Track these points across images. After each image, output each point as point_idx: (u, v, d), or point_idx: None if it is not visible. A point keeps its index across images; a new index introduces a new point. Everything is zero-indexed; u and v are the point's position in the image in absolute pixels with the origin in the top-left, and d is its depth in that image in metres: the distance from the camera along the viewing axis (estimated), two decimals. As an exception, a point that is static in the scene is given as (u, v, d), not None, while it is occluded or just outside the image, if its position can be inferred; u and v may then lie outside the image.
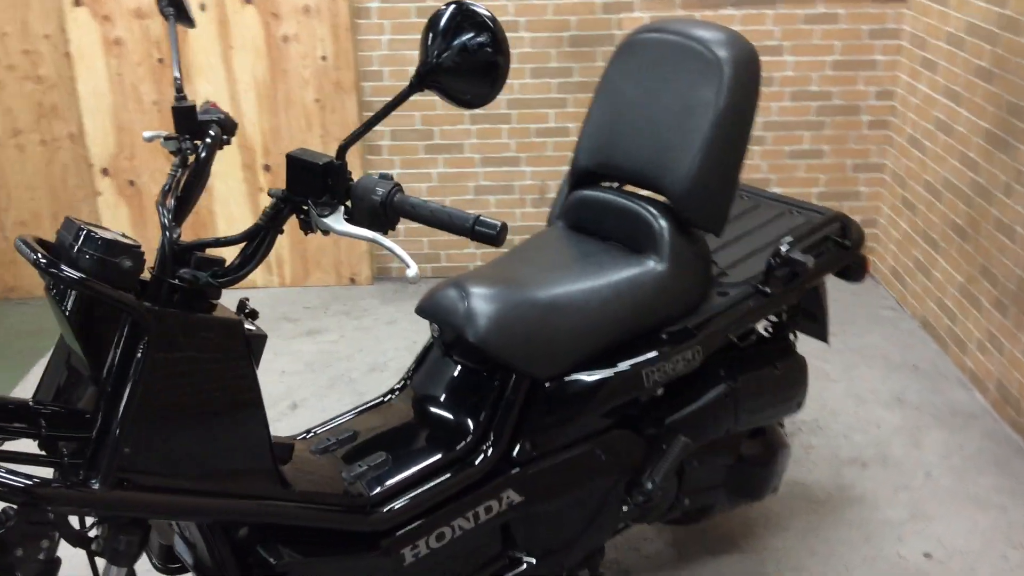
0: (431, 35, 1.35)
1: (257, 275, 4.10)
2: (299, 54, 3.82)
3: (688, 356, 1.92)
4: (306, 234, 1.45)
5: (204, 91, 3.85)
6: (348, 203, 1.42)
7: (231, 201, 4.00)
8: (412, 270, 1.33)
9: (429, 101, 3.91)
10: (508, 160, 4.02)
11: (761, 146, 4.03)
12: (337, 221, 1.40)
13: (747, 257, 2.14)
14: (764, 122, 3.98)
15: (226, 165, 3.93)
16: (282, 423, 3.06)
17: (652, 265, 1.91)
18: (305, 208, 1.43)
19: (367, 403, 1.95)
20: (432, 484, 1.71)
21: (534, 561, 1.87)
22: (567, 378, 1.84)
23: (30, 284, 4.05)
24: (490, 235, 1.32)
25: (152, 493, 1.36)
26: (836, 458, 2.88)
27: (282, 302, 4.00)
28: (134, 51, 3.78)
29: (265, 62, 3.82)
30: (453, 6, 1.34)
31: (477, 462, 1.75)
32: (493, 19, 1.32)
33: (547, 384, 1.82)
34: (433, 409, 1.85)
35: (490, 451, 1.77)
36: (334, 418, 1.91)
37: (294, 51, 3.82)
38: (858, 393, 3.24)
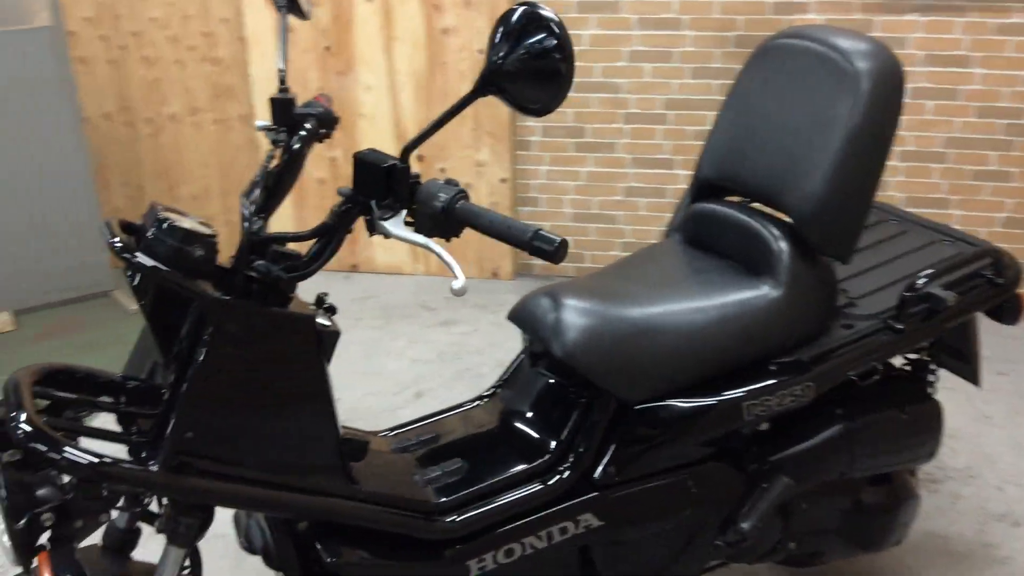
0: (498, 36, 1.29)
1: (404, 262, 4.17)
2: (457, 46, 3.84)
3: (798, 391, 1.77)
4: (371, 235, 1.42)
5: (365, 81, 3.94)
6: (414, 207, 1.38)
7: (384, 188, 4.08)
8: (458, 282, 1.28)
9: (582, 98, 3.85)
10: (661, 162, 3.89)
11: (941, 164, 3.71)
12: (396, 225, 1.37)
13: (883, 288, 1.96)
14: (946, 138, 3.66)
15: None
16: (406, 410, 3.09)
17: (766, 290, 1.78)
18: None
19: (456, 407, 1.92)
20: (505, 498, 1.66)
21: None
22: (658, 403, 1.73)
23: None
24: (547, 251, 1.26)
25: (210, 480, 1.37)
26: (985, 512, 2.61)
27: (424, 290, 4.05)
28: (303, 38, 3.91)
29: (424, 54, 3.87)
30: (522, 8, 1.27)
31: (554, 481, 1.69)
32: (560, 24, 1.25)
33: (636, 408, 1.73)
34: (517, 421, 1.80)
35: (569, 471, 1.69)
36: (422, 418, 1.89)
37: (453, 43, 3.84)
38: (1021, 442, 2.93)
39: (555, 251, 1.25)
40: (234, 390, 1.39)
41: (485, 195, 4.01)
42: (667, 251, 2.00)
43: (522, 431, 1.77)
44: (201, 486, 1.37)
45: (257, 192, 1.53)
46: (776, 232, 1.82)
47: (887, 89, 1.76)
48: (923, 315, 1.87)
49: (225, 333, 1.35)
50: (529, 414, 1.80)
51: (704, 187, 2.03)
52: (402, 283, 4.12)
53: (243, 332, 1.37)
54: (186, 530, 1.42)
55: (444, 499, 1.63)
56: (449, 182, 1.36)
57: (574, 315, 1.70)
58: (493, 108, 3.87)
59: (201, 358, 1.34)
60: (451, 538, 1.62)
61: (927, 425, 1.99)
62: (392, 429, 1.85)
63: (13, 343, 3.63)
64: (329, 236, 1.43)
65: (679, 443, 1.75)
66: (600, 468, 1.72)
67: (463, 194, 1.34)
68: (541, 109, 1.29)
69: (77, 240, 3.83)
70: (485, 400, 1.90)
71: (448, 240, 1.37)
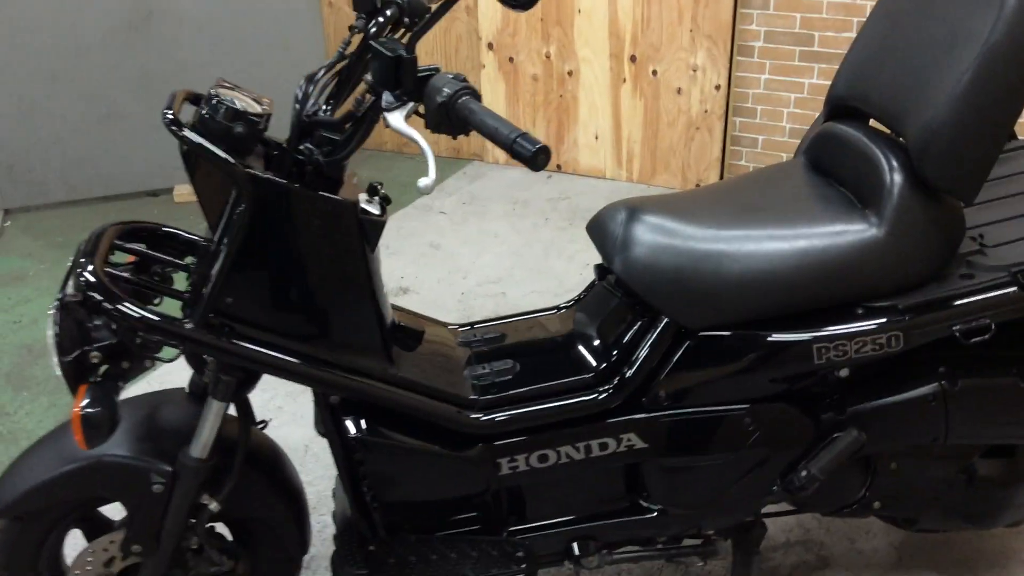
0: None
1: (607, 167, 4.12)
2: (679, -59, 3.65)
3: (882, 340, 1.59)
4: (386, 127, 1.43)
5: (585, -26, 3.86)
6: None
7: (595, 89, 4.02)
8: (425, 180, 1.26)
9: (815, 2, 3.53)
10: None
11: None
12: (396, 116, 1.37)
13: None
14: None
15: (593, 52, 3.94)
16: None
17: (866, 226, 1.58)
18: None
19: (535, 311, 1.91)
20: (543, 404, 1.65)
21: (657, 512, 1.74)
22: (719, 333, 1.63)
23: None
24: (524, 156, 1.21)
25: (240, 343, 1.48)
26: None
27: (619, 194, 3.99)
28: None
29: (645, -52, 3.71)
30: None
31: (598, 396, 1.65)
32: None
33: (696, 334, 1.64)
34: (580, 333, 1.76)
35: (616, 389, 1.65)
36: (500, 317, 1.91)
37: (675, -62, 3.65)
38: None
39: (532, 156, 1.21)
40: (271, 264, 1.47)
41: (696, 102, 3.84)
42: (782, 173, 1.83)
43: (581, 344, 1.74)
44: (230, 348, 1.49)
45: (324, 76, 1.57)
46: (894, 162, 1.61)
47: None
48: (1064, 274, 1.60)
49: (256, 207, 1.43)
50: (591, 329, 1.76)
51: (837, 106, 1.82)
52: (599, 188, 4.08)
53: (277, 209, 1.44)
54: (225, 387, 1.56)
55: (482, 396, 1.65)
56: (457, 77, 1.34)
57: (640, 231, 1.62)
58: (713, 7, 3.66)
59: (234, 230, 1.44)
60: (485, 434, 1.65)
61: (1058, 400, 1.72)
62: (466, 324, 1.88)
63: (198, 214, 4.03)
64: (356, 124, 1.46)
65: (738, 377, 1.64)
66: (651, 391, 1.66)
67: (466, 91, 1.31)
68: (518, 4, 1.23)
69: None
70: (563, 309, 1.88)
71: (455, 137, 1.35)
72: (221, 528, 1.78)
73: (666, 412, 1.67)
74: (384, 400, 1.58)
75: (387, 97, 1.39)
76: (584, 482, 1.74)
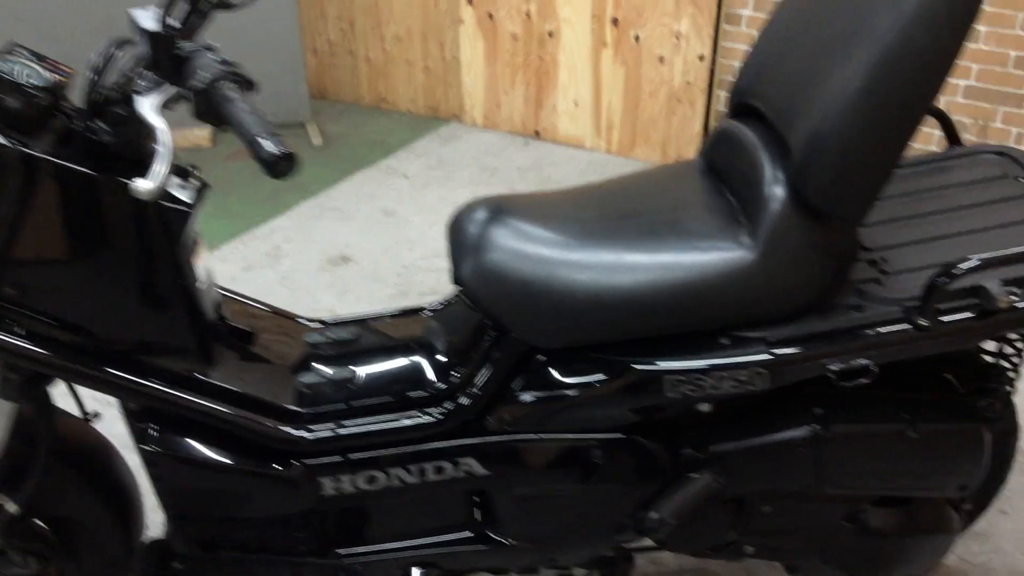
0: None
1: (587, 136, 3.90)
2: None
3: (743, 376, 1.40)
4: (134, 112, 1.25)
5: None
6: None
7: (575, 52, 3.79)
8: (142, 183, 1.11)
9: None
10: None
11: None
12: (146, 101, 1.20)
13: (934, 267, 1.48)
14: None
15: (574, 11, 3.70)
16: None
17: (737, 245, 1.39)
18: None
19: (403, 311, 1.74)
20: (370, 423, 1.49)
21: (507, 543, 1.58)
22: (567, 356, 1.45)
23: (399, 97, 4.30)
24: (263, 158, 1.05)
25: (25, 340, 1.35)
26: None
27: (596, 168, 3.77)
28: None
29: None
30: None
31: (430, 419, 1.49)
32: None
33: (544, 355, 1.46)
34: (431, 344, 1.59)
35: (452, 412, 1.48)
36: (359, 315, 1.74)
37: None
38: None
39: (271, 161, 1.04)
40: (57, 251, 1.33)
41: (679, 72, 3.59)
42: (674, 175, 1.63)
43: (427, 356, 1.57)
44: (6, 345, 1.35)
45: (141, 49, 1.39)
46: (779, 174, 1.41)
47: (949, 4, 1.26)
48: (965, 313, 1.39)
49: (23, 186, 1.28)
50: (441, 340, 1.59)
51: (739, 103, 1.61)
52: (576, 158, 3.87)
53: (50, 189, 1.29)
54: (10, 385, 1.42)
55: (307, 409, 1.50)
56: (225, 62, 1.16)
57: (494, 236, 1.44)
58: (699, -27, 3.40)
59: (4, 211, 1.29)
60: (305, 451, 1.50)
61: (953, 451, 1.51)
62: (319, 321, 1.72)
63: (207, 158, 3.88)
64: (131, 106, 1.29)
65: (587, 405, 1.46)
66: (494, 414, 1.49)
67: (228, 77, 1.14)
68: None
69: (279, 69, 3.96)
70: (428, 312, 1.71)
71: (219, 127, 1.18)
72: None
73: (509, 438, 1.50)
74: (183, 409, 1.44)
75: (149, 78, 1.23)
76: (426, 506, 1.58)
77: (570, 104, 3.89)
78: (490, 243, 1.45)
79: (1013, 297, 1.35)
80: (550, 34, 3.80)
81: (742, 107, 1.60)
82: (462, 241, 1.48)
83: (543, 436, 1.49)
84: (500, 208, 1.50)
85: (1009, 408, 1.70)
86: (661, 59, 3.60)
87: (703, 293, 1.40)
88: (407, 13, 4.12)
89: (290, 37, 3.92)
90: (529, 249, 1.43)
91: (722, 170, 1.58)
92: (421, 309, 1.73)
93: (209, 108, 1.15)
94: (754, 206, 1.42)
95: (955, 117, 3.16)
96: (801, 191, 1.37)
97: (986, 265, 1.35)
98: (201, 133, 3.95)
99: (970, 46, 3.06)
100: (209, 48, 1.22)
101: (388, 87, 4.31)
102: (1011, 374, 1.57)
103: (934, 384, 1.56)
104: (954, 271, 1.35)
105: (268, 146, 1.06)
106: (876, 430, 1.48)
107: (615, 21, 3.64)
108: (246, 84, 1.16)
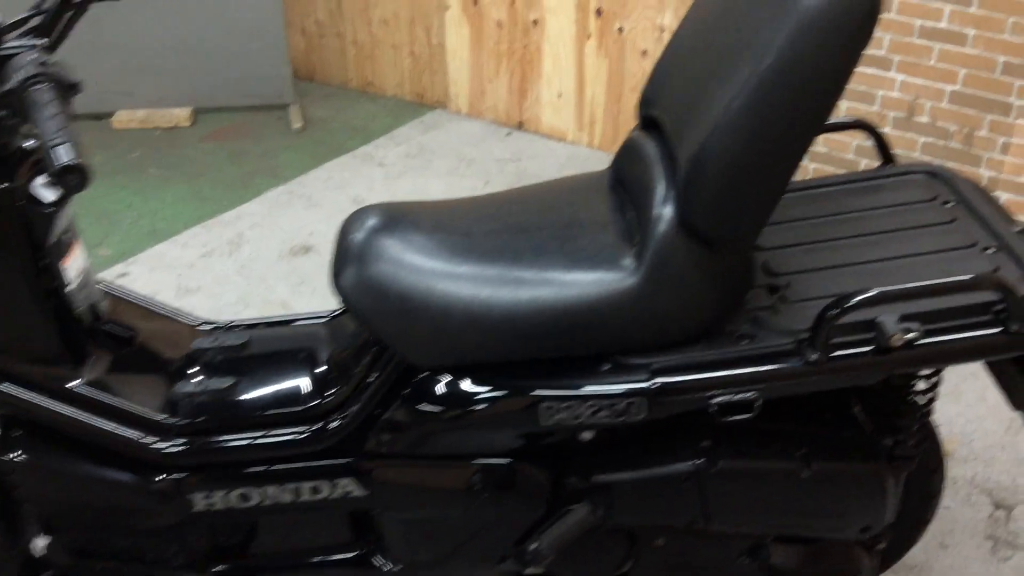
0: None
1: (569, 129, 3.81)
2: None
3: (620, 407, 1.32)
4: None
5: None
6: None
7: (559, 42, 3.69)
8: None
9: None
10: (874, 60, 3.11)
11: None
12: None
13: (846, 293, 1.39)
14: None
15: (560, 1, 3.61)
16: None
17: (619, 268, 1.32)
18: None
19: (301, 316, 1.69)
20: (237, 438, 1.44)
21: (390, 568, 1.53)
22: (442, 376, 1.39)
23: (386, 82, 4.23)
24: (50, 167, 0.99)
25: None
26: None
27: (574, 163, 3.68)
28: None
29: None
30: None
31: (308, 434, 1.43)
32: None
33: (425, 375, 1.40)
34: (316, 356, 1.54)
35: (332, 428, 1.43)
36: (256, 319, 1.69)
37: None
38: None
39: (57, 170, 0.99)
40: None
41: (662, 67, 3.49)
42: (580, 187, 1.56)
43: (311, 369, 1.52)
44: None
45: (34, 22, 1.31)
46: (671, 192, 1.33)
47: (837, 20, 1.17)
48: (858, 348, 1.30)
49: None
50: (329, 351, 1.54)
51: (646, 114, 1.53)
52: (556, 152, 3.78)
53: None
54: None
55: (179, 421, 1.45)
56: (45, 63, 1.11)
57: (380, 245, 1.38)
58: (683, -35, 3.29)
59: None
60: (173, 465, 1.45)
61: (851, 492, 1.43)
62: (212, 324, 1.67)
63: (183, 138, 3.84)
64: None
65: (466, 428, 1.40)
66: (372, 434, 1.43)
67: (42, 79, 1.08)
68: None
69: (260, 49, 3.90)
70: (323, 320, 1.65)
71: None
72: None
73: (387, 459, 1.44)
74: (42, 417, 1.39)
75: None
76: (308, 527, 1.53)
77: (554, 95, 3.80)
78: (373, 253, 1.39)
79: (909, 335, 1.26)
80: (535, 22, 3.71)
81: (648, 119, 1.52)
82: (346, 248, 1.42)
83: (422, 459, 1.44)
84: (391, 216, 1.44)
85: (928, 443, 1.61)
86: (644, 53, 3.50)
87: (583, 316, 1.33)
88: (393, -4, 4.04)
89: (272, 16, 3.85)
90: (411, 261, 1.37)
91: (627, 184, 1.50)
92: (321, 316, 1.67)
93: (19, 110, 1.09)
94: (644, 226, 1.34)
95: (940, 123, 3.05)
96: (685, 213, 1.29)
97: (883, 299, 1.27)
98: (180, 113, 3.91)
99: (957, 50, 2.93)
100: (36, 46, 1.16)
101: (375, 71, 4.24)
102: (925, 410, 1.49)
103: (839, 419, 1.48)
104: (847, 304, 1.27)
105: (58, 155, 1.00)
106: (765, 467, 1.41)
107: (599, 12, 3.54)
108: (68, 88, 1.10)
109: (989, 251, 1.43)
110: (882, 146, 1.66)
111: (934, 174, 1.62)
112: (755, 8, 1.25)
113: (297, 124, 3.95)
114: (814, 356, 1.29)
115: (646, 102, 1.51)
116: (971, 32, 2.89)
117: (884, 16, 3.02)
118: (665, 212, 1.31)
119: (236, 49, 3.90)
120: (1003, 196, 3.00)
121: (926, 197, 1.57)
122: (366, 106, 4.19)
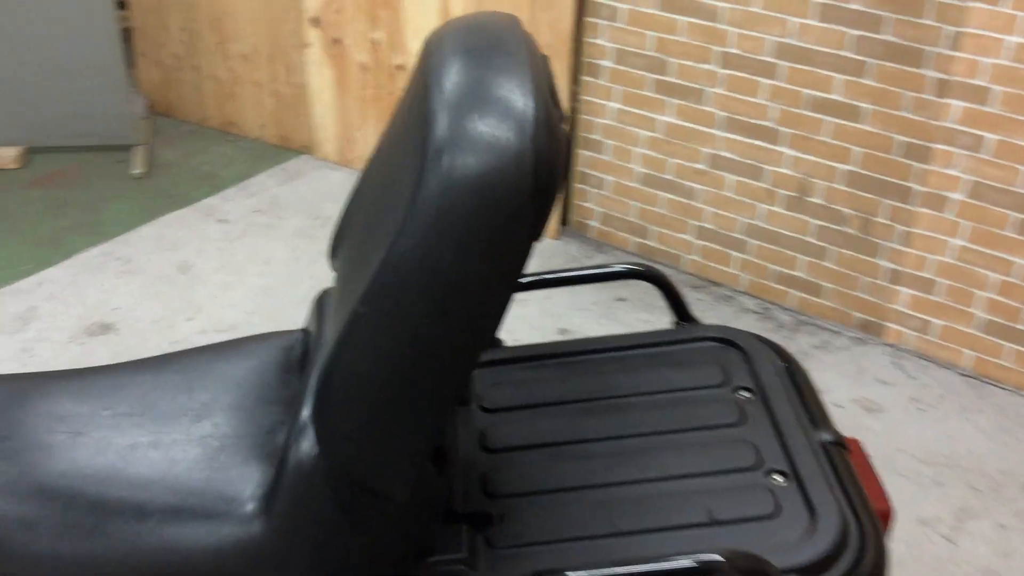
0: None
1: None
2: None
3: None
4: None
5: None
6: None
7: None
8: None
9: (667, 18, 2.76)
10: (763, 131, 2.75)
11: None
12: None
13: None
14: None
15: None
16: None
17: (236, 512, 0.93)
18: None
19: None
20: None
21: None
22: None
23: (248, 123, 3.81)
24: None
25: None
26: None
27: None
28: None
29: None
30: None
31: None
32: None
33: None
34: None
35: None
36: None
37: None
38: None
39: None
40: None
41: (536, 124, 3.10)
42: (241, 361, 1.16)
43: None
44: None
45: None
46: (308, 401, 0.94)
47: (466, 212, 0.79)
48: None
49: None
50: None
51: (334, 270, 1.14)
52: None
53: None
54: None
55: None
56: None
57: None
58: (556, 12, 2.90)
59: None
60: None
61: None
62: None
63: (6, 182, 3.40)
64: None
65: None
66: None
67: None
68: None
69: (100, 85, 3.48)
70: None
71: None
72: None
73: None
74: None
75: None
76: None
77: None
78: None
79: None
80: (399, 67, 3.32)
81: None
82: None
83: None
84: (17, 391, 1.06)
85: None
86: (516, 108, 3.11)
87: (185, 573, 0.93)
88: (252, 30, 3.63)
89: (109, 49, 3.42)
90: None
91: (307, 357, 1.11)
92: None
93: None
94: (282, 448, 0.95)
95: (835, 206, 2.69)
96: (320, 438, 0.90)
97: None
98: (6, 152, 3.47)
99: (853, 126, 2.57)
100: None
101: (236, 110, 3.82)
102: None
103: None
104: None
105: None
106: None
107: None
108: None
109: (775, 478, 1.05)
110: (677, 303, 1.28)
111: (728, 341, 1.24)
112: (405, 154, 0.87)
113: (138, 169, 3.52)
114: None
115: (331, 252, 1.12)
116: (868, 107, 2.54)
117: (770, 83, 2.66)
118: (304, 438, 0.91)
119: (72, 84, 3.46)
120: (905, 293, 2.64)
121: (714, 383, 1.18)
122: (224, 148, 3.77)
